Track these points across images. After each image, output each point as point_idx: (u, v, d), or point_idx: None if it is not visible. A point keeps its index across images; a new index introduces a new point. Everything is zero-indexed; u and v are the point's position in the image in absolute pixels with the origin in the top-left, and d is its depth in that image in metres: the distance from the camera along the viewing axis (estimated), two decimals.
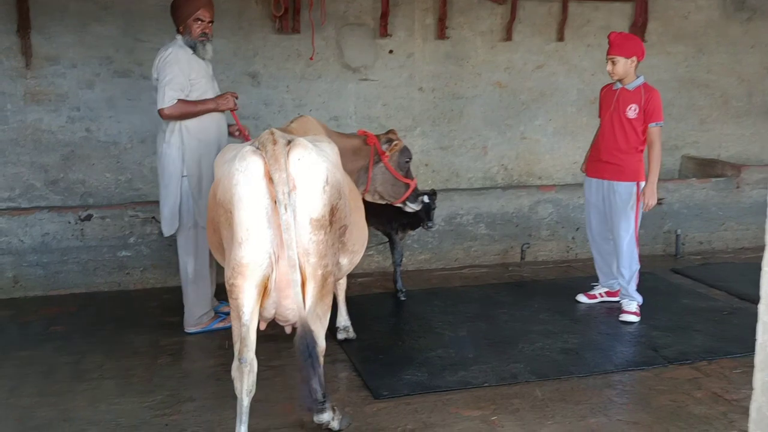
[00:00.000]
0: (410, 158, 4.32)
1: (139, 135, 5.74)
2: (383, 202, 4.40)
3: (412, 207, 4.41)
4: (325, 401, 2.75)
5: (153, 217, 5.43)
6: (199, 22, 4.25)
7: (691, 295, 5.22)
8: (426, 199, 4.54)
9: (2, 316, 4.82)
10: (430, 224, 4.84)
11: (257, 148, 2.77)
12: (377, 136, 4.27)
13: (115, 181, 5.77)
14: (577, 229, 6.30)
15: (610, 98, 4.70)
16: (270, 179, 2.68)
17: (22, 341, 4.35)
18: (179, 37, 4.31)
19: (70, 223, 5.28)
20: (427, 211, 4.76)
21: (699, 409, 3.48)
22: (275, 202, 2.67)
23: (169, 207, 4.36)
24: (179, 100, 4.15)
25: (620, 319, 4.64)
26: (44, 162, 5.60)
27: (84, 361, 4.03)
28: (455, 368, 3.90)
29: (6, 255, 5.17)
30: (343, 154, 3.75)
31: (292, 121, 3.73)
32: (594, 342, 4.32)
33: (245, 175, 2.72)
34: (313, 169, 2.80)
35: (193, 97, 4.24)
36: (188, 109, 4.21)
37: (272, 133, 2.80)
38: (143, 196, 5.79)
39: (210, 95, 4.34)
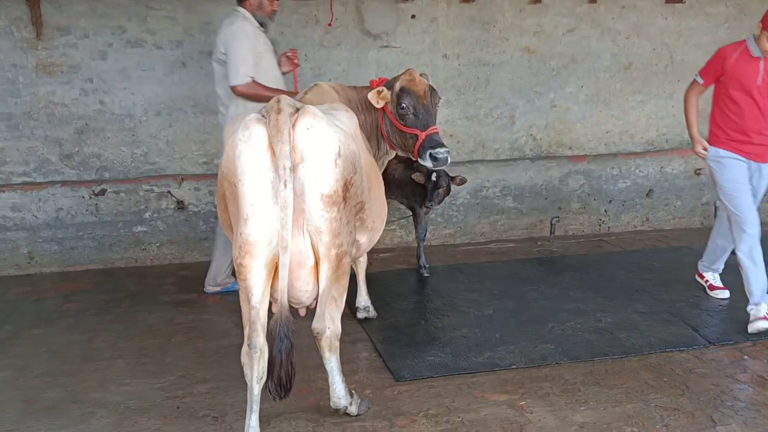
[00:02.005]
0: (406, 103, 3.56)
1: (153, 107, 5.58)
2: (408, 155, 3.89)
3: (424, 163, 3.61)
4: (288, 392, 2.59)
5: (168, 191, 5.29)
6: (274, 1, 4.32)
7: (732, 270, 4.88)
8: (440, 154, 3.52)
9: (18, 293, 4.74)
10: (429, 204, 4.58)
11: (263, 117, 2.56)
12: (395, 77, 3.74)
13: (131, 154, 5.62)
14: (610, 201, 6.02)
15: (749, 68, 3.95)
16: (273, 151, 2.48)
17: (36, 319, 4.27)
18: (242, 9, 4.26)
19: (84, 198, 5.16)
20: (433, 188, 4.52)
21: (744, 393, 3.25)
22: None
23: None
24: (254, 80, 4.12)
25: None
26: (58, 136, 5.47)
27: (96, 340, 3.92)
28: (481, 349, 3.70)
29: (21, 231, 5.09)
30: (359, 112, 3.53)
31: (306, 92, 3.49)
32: (629, 321, 4.07)
33: (248, 146, 2.51)
34: (323, 140, 2.57)
35: (259, 70, 4.19)
36: (261, 93, 4.13)
37: (278, 101, 2.57)
38: (159, 170, 5.64)
39: (273, 70, 4.32)
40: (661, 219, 6.18)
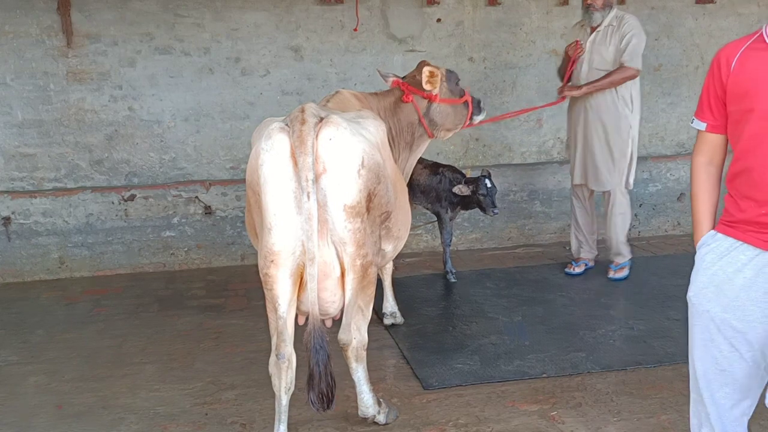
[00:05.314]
0: (459, 78, 4.02)
1: (181, 113, 5.62)
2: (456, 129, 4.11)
3: (481, 117, 4.13)
4: (332, 403, 2.56)
5: (196, 197, 5.32)
6: None
7: None
8: (481, 105, 4.14)
9: (49, 298, 4.81)
10: (495, 211, 4.58)
11: (287, 125, 2.54)
12: (403, 80, 3.87)
13: (159, 160, 5.68)
14: (640, 205, 5.92)
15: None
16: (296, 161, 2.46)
17: (67, 323, 4.32)
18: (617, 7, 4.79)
19: (113, 203, 5.22)
20: (491, 195, 4.52)
21: None
22: None
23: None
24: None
25: None
26: (88, 142, 5.54)
27: (126, 345, 3.95)
28: (510, 357, 3.65)
29: (52, 236, 5.16)
30: (384, 118, 3.52)
31: (328, 100, 3.42)
32: (662, 329, 3.98)
33: (270, 156, 2.48)
34: (347, 151, 2.53)
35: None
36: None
37: (302, 111, 2.54)
38: (187, 176, 5.68)
39: None
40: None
